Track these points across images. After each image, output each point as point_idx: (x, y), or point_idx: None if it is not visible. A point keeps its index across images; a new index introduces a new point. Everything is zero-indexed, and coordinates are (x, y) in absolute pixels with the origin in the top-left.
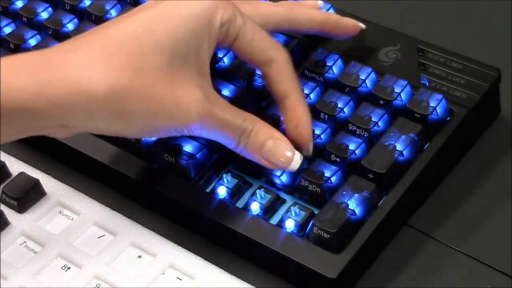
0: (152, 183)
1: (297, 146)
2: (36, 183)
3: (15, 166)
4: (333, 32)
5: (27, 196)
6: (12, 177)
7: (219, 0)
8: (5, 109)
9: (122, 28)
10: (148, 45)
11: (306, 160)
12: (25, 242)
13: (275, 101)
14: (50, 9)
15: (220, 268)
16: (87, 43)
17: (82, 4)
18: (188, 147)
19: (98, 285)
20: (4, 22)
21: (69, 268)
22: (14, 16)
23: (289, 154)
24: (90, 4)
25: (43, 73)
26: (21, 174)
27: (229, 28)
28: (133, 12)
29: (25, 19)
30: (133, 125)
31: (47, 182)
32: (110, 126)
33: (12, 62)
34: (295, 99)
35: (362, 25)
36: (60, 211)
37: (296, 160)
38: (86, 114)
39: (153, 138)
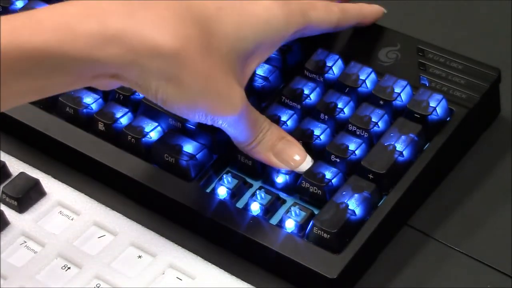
0: (152, 183)
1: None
2: (36, 183)
3: (15, 166)
4: (364, 22)
5: (27, 196)
6: (12, 177)
7: (289, 8)
8: (69, 56)
9: (194, 4)
10: (215, 30)
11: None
12: (25, 242)
13: None
14: None
15: (220, 268)
16: (160, 3)
17: None
18: (188, 147)
19: (98, 285)
20: None
21: (69, 268)
22: None
23: (301, 153)
24: None
25: (112, 21)
26: (21, 174)
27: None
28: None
29: None
30: (181, 95)
31: (47, 182)
32: (158, 88)
33: (83, 6)
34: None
35: (384, 10)
36: (60, 211)
37: (307, 161)
38: (143, 69)
39: (154, 138)
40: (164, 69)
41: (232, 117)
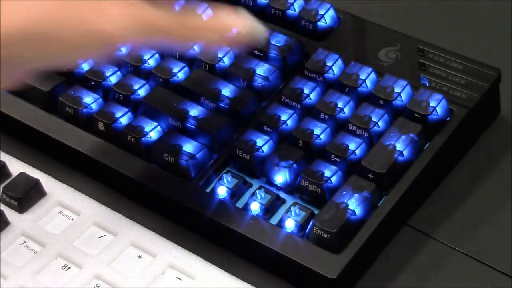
0: (152, 183)
1: None
2: (36, 183)
3: (15, 166)
4: None
5: (27, 196)
6: (12, 177)
7: None
8: None
9: None
10: None
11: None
12: (25, 242)
13: None
14: None
15: (220, 268)
16: None
17: None
18: (188, 147)
19: (98, 285)
20: None
21: (69, 268)
22: None
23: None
24: None
25: None
26: (21, 174)
27: None
28: None
29: None
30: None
31: (47, 182)
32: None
33: None
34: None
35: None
36: (60, 211)
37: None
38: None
39: (153, 138)
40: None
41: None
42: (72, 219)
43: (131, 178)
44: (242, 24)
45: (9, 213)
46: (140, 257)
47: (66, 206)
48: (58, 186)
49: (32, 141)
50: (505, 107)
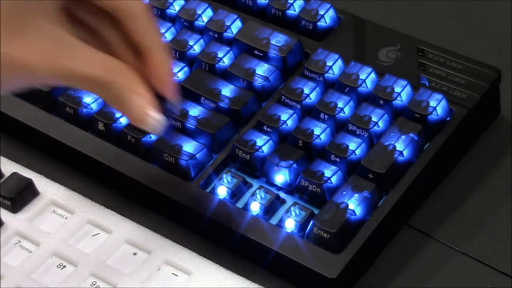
0: (152, 183)
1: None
2: (29, 183)
3: (8, 167)
4: None
5: (20, 196)
6: (5, 177)
7: None
8: None
9: None
10: None
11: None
12: (20, 241)
13: (135, 50)
14: None
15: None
16: None
17: None
18: (188, 147)
19: (94, 283)
20: None
21: (64, 266)
22: None
23: (149, 112)
24: None
25: None
26: (14, 174)
27: None
28: None
29: None
30: None
31: (40, 182)
32: None
33: None
34: (157, 56)
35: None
36: (54, 210)
37: (155, 118)
38: None
39: (153, 138)
40: None
41: (45, 79)
42: (65, 218)
43: (131, 178)
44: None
45: (3, 213)
46: (135, 254)
47: (59, 205)
48: (51, 185)
49: (32, 141)
50: (505, 107)
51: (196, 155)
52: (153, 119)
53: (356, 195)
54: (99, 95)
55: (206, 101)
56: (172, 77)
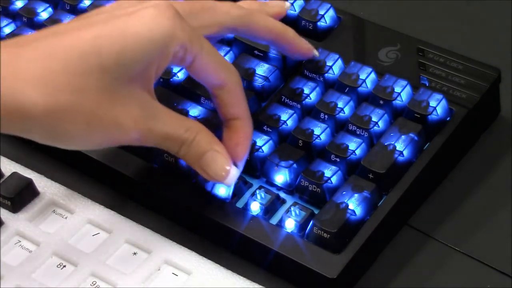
0: (152, 183)
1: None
2: (29, 183)
3: (8, 166)
4: (287, 47)
5: (20, 195)
6: (5, 177)
7: (176, 22)
8: None
9: (68, 44)
10: (94, 65)
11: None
12: (20, 241)
13: (222, 120)
14: (50, 9)
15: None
16: (32, 53)
17: (82, 4)
18: None
19: (94, 283)
20: (4, 22)
21: (64, 266)
22: (14, 16)
23: (226, 168)
24: (90, 4)
25: None
26: (14, 174)
27: (185, 54)
28: (80, 24)
29: (25, 19)
30: (69, 142)
31: (40, 181)
32: (45, 141)
33: None
34: (243, 124)
35: (316, 53)
36: (54, 210)
37: (232, 174)
38: (20, 130)
39: None
40: (41, 127)
41: (133, 141)
42: (65, 218)
43: (131, 178)
44: None
45: (3, 213)
46: (135, 253)
47: (59, 205)
48: (51, 185)
49: (32, 141)
50: (505, 107)
51: None
52: (232, 175)
53: (356, 195)
54: (180, 153)
55: (206, 101)
56: (248, 144)
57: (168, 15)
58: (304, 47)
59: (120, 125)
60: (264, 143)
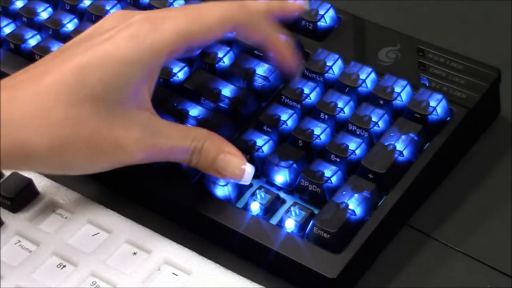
0: (152, 184)
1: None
2: (29, 183)
3: None
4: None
5: (20, 195)
6: (5, 177)
7: (152, 36)
8: None
9: (55, 79)
10: (83, 96)
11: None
12: (20, 241)
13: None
14: (50, 9)
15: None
16: (24, 93)
17: (82, 4)
18: None
19: (94, 283)
20: (4, 22)
21: (64, 266)
22: (14, 16)
23: (241, 167)
24: (90, 4)
25: None
26: (14, 174)
27: (178, 52)
28: (63, 57)
29: (25, 19)
30: (75, 170)
31: (40, 181)
32: (51, 172)
33: None
34: (276, 38)
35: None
36: (54, 210)
37: (248, 172)
38: (26, 167)
39: None
40: (46, 162)
41: (139, 161)
42: (66, 217)
43: (131, 178)
44: None
45: (3, 213)
46: (135, 253)
47: (59, 205)
48: (51, 185)
49: None
50: (505, 107)
51: None
52: (248, 172)
53: (356, 195)
54: (192, 163)
55: (206, 101)
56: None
57: (143, 32)
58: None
59: (122, 148)
60: (264, 143)
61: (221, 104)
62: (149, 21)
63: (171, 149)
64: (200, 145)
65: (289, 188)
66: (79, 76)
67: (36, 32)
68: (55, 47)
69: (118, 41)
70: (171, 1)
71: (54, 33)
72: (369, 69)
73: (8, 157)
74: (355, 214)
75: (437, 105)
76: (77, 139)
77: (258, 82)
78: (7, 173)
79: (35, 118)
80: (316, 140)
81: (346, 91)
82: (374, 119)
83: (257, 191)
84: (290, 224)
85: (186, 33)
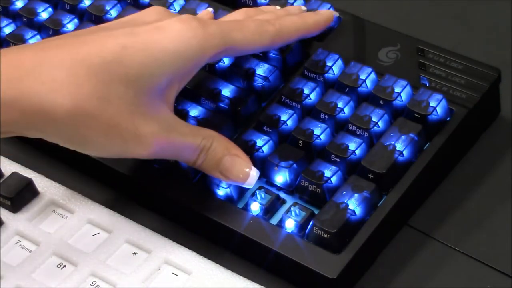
0: (152, 183)
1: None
2: (29, 183)
3: (8, 166)
4: (316, 31)
5: (20, 195)
6: (5, 177)
7: (202, 34)
8: None
9: (92, 52)
10: (117, 74)
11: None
12: (20, 241)
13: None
14: (50, 9)
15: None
16: (56, 58)
17: (82, 4)
18: None
19: (94, 283)
20: (4, 22)
21: (64, 266)
22: (14, 16)
23: (246, 170)
24: (90, 4)
25: (6, 88)
26: (14, 174)
27: (221, 54)
28: (105, 34)
29: (25, 19)
30: (88, 148)
31: (40, 181)
32: (64, 144)
33: None
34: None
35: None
36: (54, 210)
37: (252, 175)
38: (42, 133)
39: None
40: (63, 131)
41: (150, 155)
42: (66, 217)
43: (131, 178)
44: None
45: (3, 213)
46: (135, 253)
47: (59, 205)
48: (51, 185)
49: (32, 141)
50: (505, 107)
51: None
52: (253, 176)
53: (356, 195)
54: (198, 162)
55: (206, 101)
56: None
57: (194, 29)
58: (321, 24)
59: (139, 138)
60: (264, 143)
61: (221, 104)
62: (198, 20)
63: (182, 146)
64: (209, 144)
65: (289, 188)
66: (119, 54)
67: (36, 32)
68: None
69: (168, 31)
70: (171, 1)
71: (54, 33)
72: (369, 69)
73: (30, 118)
74: (355, 214)
75: (437, 105)
76: (99, 116)
77: (258, 82)
78: (7, 173)
79: (64, 83)
80: (316, 140)
81: (346, 91)
82: (374, 119)
83: (257, 191)
84: (290, 224)
85: (232, 40)
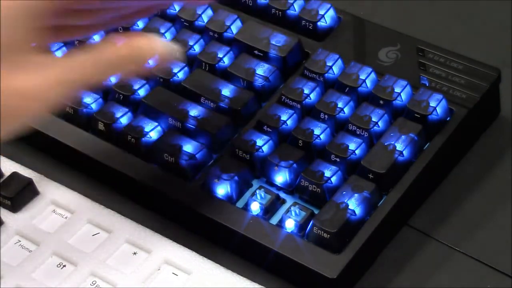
0: (152, 183)
1: None
2: (29, 183)
3: (8, 166)
4: None
5: (20, 195)
6: (5, 177)
7: None
8: None
9: None
10: None
11: None
12: (20, 241)
13: None
14: None
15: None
16: None
17: None
18: (188, 147)
19: (94, 282)
20: None
21: (64, 266)
22: None
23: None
24: None
25: None
26: (14, 174)
27: None
28: None
29: None
30: None
31: (40, 181)
32: None
33: None
34: None
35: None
36: (54, 210)
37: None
38: None
39: (153, 138)
40: None
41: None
42: (65, 217)
43: (131, 178)
44: (157, 48)
45: (3, 213)
46: (135, 253)
47: (59, 205)
48: (51, 185)
49: (32, 141)
50: (505, 107)
51: (196, 155)
52: (167, 44)
53: (356, 195)
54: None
55: (206, 101)
56: None
57: None
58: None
59: (27, 93)
60: (264, 143)
61: (221, 104)
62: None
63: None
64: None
65: (289, 188)
66: None
67: None
68: (55, 47)
69: None
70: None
71: None
72: (369, 69)
73: None
74: (355, 214)
75: (437, 105)
76: None
77: (258, 82)
78: (7, 173)
79: None
80: (316, 140)
81: (346, 91)
82: (374, 119)
83: (257, 191)
84: (290, 224)
85: None
